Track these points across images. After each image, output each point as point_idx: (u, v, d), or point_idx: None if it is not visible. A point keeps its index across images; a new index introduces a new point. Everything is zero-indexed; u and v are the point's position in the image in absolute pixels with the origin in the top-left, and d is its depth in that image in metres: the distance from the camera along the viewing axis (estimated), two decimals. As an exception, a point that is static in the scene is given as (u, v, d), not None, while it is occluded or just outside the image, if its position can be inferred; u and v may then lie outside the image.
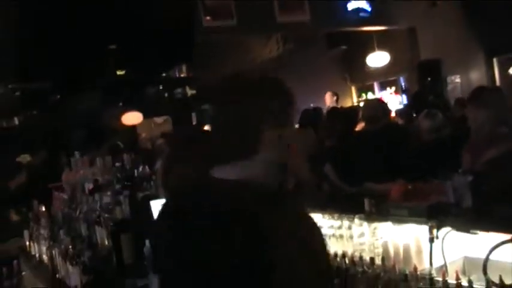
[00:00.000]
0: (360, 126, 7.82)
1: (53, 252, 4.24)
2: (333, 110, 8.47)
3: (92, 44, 7.42)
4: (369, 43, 12.40)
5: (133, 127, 11.37)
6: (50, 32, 7.33)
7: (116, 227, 3.46)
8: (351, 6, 11.20)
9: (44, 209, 5.16)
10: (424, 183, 4.27)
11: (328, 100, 10.21)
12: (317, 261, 1.71)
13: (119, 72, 8.07)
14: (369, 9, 11.28)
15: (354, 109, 8.30)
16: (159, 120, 12.27)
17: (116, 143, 7.72)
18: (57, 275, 4.18)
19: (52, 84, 8.08)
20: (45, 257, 4.67)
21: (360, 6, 11.20)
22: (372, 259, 3.79)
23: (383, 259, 3.76)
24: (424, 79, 11.26)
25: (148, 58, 7.99)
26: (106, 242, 3.62)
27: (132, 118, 11.05)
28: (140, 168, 3.76)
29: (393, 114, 8.15)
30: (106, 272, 3.42)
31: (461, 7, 11.78)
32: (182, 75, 9.56)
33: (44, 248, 4.72)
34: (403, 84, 12.89)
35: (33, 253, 5.30)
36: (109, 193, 3.72)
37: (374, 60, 12.45)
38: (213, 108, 1.96)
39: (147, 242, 3.17)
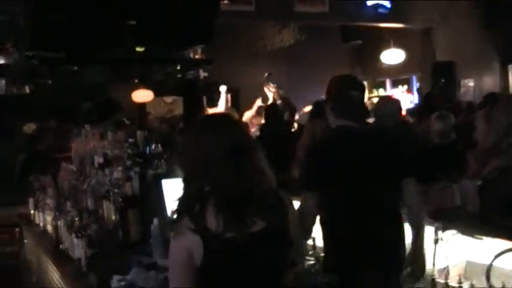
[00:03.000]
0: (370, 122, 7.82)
1: (58, 223, 4.26)
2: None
3: (110, 17, 7.41)
4: (385, 40, 12.36)
5: (142, 104, 11.39)
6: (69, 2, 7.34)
7: (124, 202, 3.48)
8: (370, 1, 11.18)
9: (51, 179, 5.16)
10: (431, 185, 4.28)
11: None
12: None
13: (138, 49, 8.04)
14: (389, 5, 11.25)
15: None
16: (168, 99, 12.29)
17: (121, 118, 7.72)
18: (60, 246, 4.20)
19: (67, 55, 8.06)
20: (49, 227, 4.68)
21: (380, 3, 11.17)
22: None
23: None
24: (437, 80, 11.24)
25: (165, 37, 7.97)
26: (113, 217, 3.63)
27: (142, 96, 11.06)
28: (153, 146, 3.77)
29: (404, 113, 8.12)
30: (111, 247, 3.44)
31: (479, 13, 11.72)
32: (197, 57, 9.55)
33: (48, 218, 4.73)
34: (416, 83, 12.86)
35: (37, 222, 5.32)
36: (119, 168, 3.72)
37: (388, 57, 12.43)
38: None
39: (154, 220, 3.19)
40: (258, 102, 8.91)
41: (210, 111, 9.02)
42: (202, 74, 10.31)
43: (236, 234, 2.16)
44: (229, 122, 2.36)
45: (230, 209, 2.16)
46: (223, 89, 9.07)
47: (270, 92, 8.20)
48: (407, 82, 13.28)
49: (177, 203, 2.24)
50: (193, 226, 2.15)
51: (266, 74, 8.33)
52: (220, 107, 8.98)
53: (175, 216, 2.22)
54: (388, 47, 12.38)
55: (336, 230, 3.16)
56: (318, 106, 7.26)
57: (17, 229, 6.35)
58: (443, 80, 11.13)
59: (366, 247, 3.03)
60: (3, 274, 6.17)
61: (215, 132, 2.23)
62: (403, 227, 3.25)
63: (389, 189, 3.14)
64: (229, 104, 9.32)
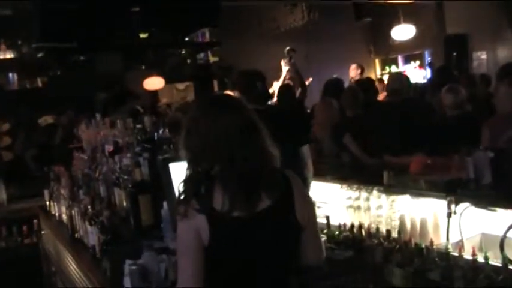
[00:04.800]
0: (381, 98, 7.79)
1: (72, 211, 4.29)
2: (356, 81, 8.42)
3: (116, 4, 7.39)
4: (395, 16, 12.23)
5: (154, 92, 11.40)
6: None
7: (134, 188, 3.49)
8: (379, -23, 11.06)
9: (64, 169, 5.20)
10: (444, 158, 4.25)
11: (353, 72, 10.11)
12: None
13: (142, 35, 8.04)
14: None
15: (373, 80, 8.25)
16: (180, 86, 12.28)
17: (135, 107, 7.75)
18: (75, 235, 4.24)
19: (75, 45, 8.08)
20: (64, 217, 4.72)
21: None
22: (389, 231, 3.80)
23: (399, 232, 3.77)
24: (450, 54, 11.12)
25: (172, 21, 7.94)
26: (124, 204, 3.65)
27: (154, 83, 11.06)
28: (161, 131, 3.77)
29: (417, 88, 8.07)
30: (124, 233, 3.45)
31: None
32: (206, 41, 9.51)
33: (63, 208, 4.78)
34: (428, 58, 12.74)
35: (53, 212, 5.37)
36: (129, 155, 3.73)
37: (399, 33, 12.29)
38: None
39: (164, 204, 3.19)
40: (275, 86, 8.93)
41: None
42: (213, 58, 10.28)
43: (242, 214, 2.16)
44: (237, 102, 2.36)
45: (237, 189, 2.16)
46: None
47: (286, 66, 8.15)
48: (420, 57, 13.15)
49: (182, 184, 2.25)
50: (200, 207, 2.15)
51: (288, 48, 8.26)
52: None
53: (182, 198, 2.22)
54: (398, 23, 12.25)
55: None
56: (330, 84, 7.24)
57: (35, 221, 6.43)
58: (455, 54, 11.01)
59: None
60: (24, 265, 6.27)
61: (224, 112, 2.23)
62: None
63: None
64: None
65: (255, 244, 2.20)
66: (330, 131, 5.95)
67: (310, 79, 8.46)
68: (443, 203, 3.70)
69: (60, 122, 8.41)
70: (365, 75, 10.38)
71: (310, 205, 2.43)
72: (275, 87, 8.70)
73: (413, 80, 7.29)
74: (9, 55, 9.52)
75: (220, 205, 2.15)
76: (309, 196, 2.44)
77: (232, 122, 2.19)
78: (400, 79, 5.94)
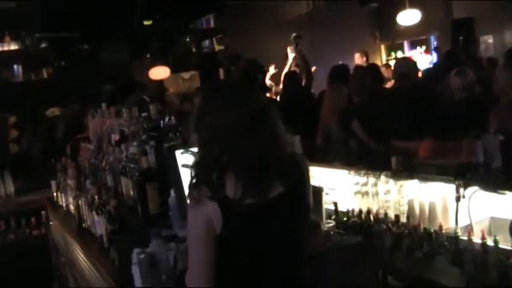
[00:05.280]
0: (388, 84, 7.75)
1: (80, 202, 4.29)
2: (362, 67, 8.37)
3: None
4: (400, 1, 12.14)
5: (160, 82, 11.37)
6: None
7: (141, 177, 3.48)
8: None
9: (71, 159, 5.21)
10: (453, 142, 4.22)
11: (358, 60, 10.08)
12: None
13: (145, 22, 8.00)
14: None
15: (379, 66, 8.22)
16: (186, 75, 12.24)
17: (142, 97, 7.74)
18: (83, 225, 4.24)
19: (79, 34, 8.05)
20: (72, 207, 4.73)
21: (394, -38, 10.96)
22: (397, 217, 3.79)
23: (408, 217, 3.77)
24: (456, 38, 11.05)
25: (176, 8, 7.89)
26: (131, 192, 3.64)
27: (159, 73, 11.03)
28: (166, 119, 3.75)
29: (423, 73, 8.01)
30: (131, 222, 3.45)
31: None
32: (210, 28, 9.45)
33: (70, 198, 4.78)
34: (434, 43, 12.66)
35: (60, 203, 5.38)
36: (135, 143, 3.72)
37: (405, 18, 12.19)
38: None
39: (172, 192, 3.18)
40: (271, 70, 8.97)
41: None
42: (218, 47, 10.22)
43: (255, 201, 2.14)
44: (248, 89, 2.35)
45: (249, 175, 2.14)
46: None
47: (292, 53, 8.12)
48: (426, 42, 13.08)
49: (193, 171, 2.22)
50: (212, 194, 2.14)
51: (294, 34, 8.23)
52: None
53: (193, 185, 2.20)
54: (403, 8, 12.16)
55: None
56: (336, 70, 7.20)
57: (43, 212, 6.45)
58: (461, 38, 10.94)
59: None
60: (33, 256, 6.29)
61: (235, 99, 2.20)
62: None
63: None
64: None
65: (267, 231, 2.18)
66: (338, 117, 5.93)
67: (314, 68, 8.42)
68: (452, 187, 3.68)
69: (66, 114, 8.41)
70: (371, 61, 10.33)
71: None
72: (271, 71, 8.74)
73: (419, 66, 7.23)
74: (13, 47, 9.52)
75: (232, 192, 2.13)
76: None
77: (239, 110, 2.16)
78: (407, 63, 5.90)
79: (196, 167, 2.22)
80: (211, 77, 11.26)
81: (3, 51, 9.56)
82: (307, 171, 2.33)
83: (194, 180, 2.20)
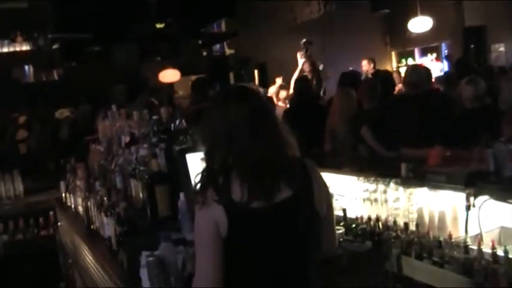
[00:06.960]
0: (398, 91, 7.74)
1: (89, 203, 4.30)
2: (373, 74, 8.38)
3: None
4: (412, 8, 12.13)
5: (170, 84, 11.39)
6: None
7: (151, 179, 3.48)
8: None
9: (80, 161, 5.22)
10: (463, 150, 4.20)
11: (365, 67, 10.08)
12: None
13: (158, 25, 8.02)
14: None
15: (391, 73, 8.21)
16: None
17: (150, 99, 7.76)
18: (92, 226, 4.25)
19: (91, 35, 8.07)
20: (80, 208, 4.74)
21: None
22: (406, 224, 3.76)
23: (417, 225, 3.74)
24: (468, 46, 11.03)
25: (188, 11, 7.92)
26: (141, 195, 3.64)
27: (169, 75, 11.05)
28: (177, 122, 3.76)
29: (434, 80, 7.99)
30: (140, 224, 3.45)
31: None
32: (222, 32, 9.49)
33: (79, 200, 4.79)
34: (445, 50, 12.64)
35: (69, 204, 5.39)
36: (145, 146, 3.73)
37: (416, 25, 12.19)
38: None
39: (181, 195, 3.18)
40: (279, 81, 8.98)
41: None
42: (228, 51, 10.25)
43: (261, 204, 2.14)
44: (248, 92, 2.35)
45: (254, 179, 2.14)
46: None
47: (302, 58, 8.12)
48: (437, 50, 13.06)
49: (200, 175, 2.23)
50: (218, 198, 2.14)
51: (304, 40, 8.22)
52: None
53: (199, 188, 2.20)
54: (415, 15, 12.15)
55: None
56: (346, 76, 7.20)
57: (51, 213, 6.47)
58: (473, 46, 10.92)
59: None
60: (41, 257, 6.31)
61: (234, 103, 2.22)
62: None
63: None
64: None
65: (274, 235, 2.18)
66: (347, 123, 5.91)
67: (322, 65, 8.42)
68: (462, 195, 3.65)
69: (75, 115, 8.44)
70: (381, 67, 10.33)
71: (328, 196, 2.40)
72: (278, 82, 8.73)
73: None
74: (25, 47, 9.55)
75: (239, 196, 2.13)
76: (327, 186, 2.41)
77: (239, 112, 2.18)
78: (418, 72, 5.83)
79: (201, 172, 2.24)
80: (222, 81, 11.28)
81: (15, 52, 9.60)
82: (317, 176, 2.32)
83: (200, 184, 2.21)
